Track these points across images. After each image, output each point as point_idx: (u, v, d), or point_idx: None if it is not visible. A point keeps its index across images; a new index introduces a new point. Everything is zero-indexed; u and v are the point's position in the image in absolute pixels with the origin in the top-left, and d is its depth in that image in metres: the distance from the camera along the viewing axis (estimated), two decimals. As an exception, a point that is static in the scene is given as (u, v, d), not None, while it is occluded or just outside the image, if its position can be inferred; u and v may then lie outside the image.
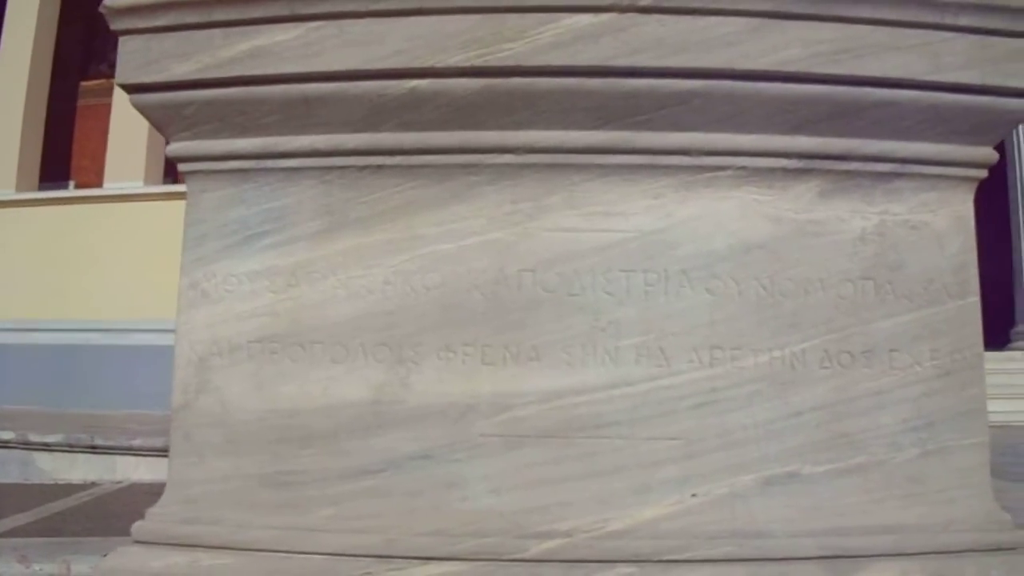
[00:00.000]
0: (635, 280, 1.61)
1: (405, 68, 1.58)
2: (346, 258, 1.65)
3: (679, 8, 1.56)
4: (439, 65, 1.58)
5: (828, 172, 1.64)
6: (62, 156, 9.39)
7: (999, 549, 1.56)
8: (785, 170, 1.63)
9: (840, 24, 1.57)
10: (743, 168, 1.63)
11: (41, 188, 8.83)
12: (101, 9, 1.59)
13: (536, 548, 1.52)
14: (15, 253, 8.15)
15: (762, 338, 1.60)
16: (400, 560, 1.52)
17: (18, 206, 8.44)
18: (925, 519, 1.58)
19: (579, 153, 1.63)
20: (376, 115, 1.62)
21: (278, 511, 1.58)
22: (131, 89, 1.62)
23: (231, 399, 1.63)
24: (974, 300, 1.65)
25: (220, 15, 1.59)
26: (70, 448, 5.43)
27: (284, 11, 1.59)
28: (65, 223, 8.17)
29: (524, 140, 1.63)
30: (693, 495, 1.56)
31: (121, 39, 1.61)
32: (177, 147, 1.69)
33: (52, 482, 5.08)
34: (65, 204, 8.48)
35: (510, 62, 1.57)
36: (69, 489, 4.70)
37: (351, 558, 1.52)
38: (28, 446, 5.30)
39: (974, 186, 1.68)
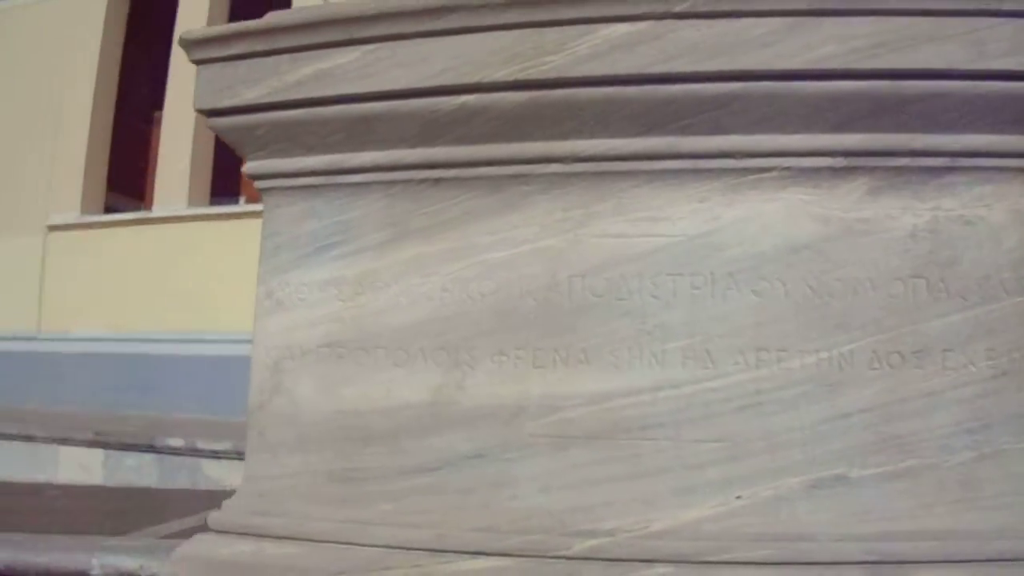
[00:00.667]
0: (681, 283, 1.61)
1: (453, 85, 1.65)
2: (408, 267, 1.72)
3: (713, 12, 1.56)
4: (485, 80, 1.64)
5: (876, 169, 1.60)
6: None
7: None
8: (831, 169, 1.60)
9: (876, 18, 1.54)
10: (788, 169, 1.60)
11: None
12: (179, 42, 1.71)
13: (579, 546, 1.55)
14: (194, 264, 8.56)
15: (809, 339, 1.58)
16: (450, 554, 1.57)
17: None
18: (977, 525, 1.51)
19: (624, 160, 1.65)
20: (430, 131, 1.69)
21: (340, 505, 1.68)
22: (208, 114, 1.75)
23: (301, 400, 1.73)
24: None
25: (285, 42, 1.69)
26: (239, 456, 5.60)
27: (342, 36, 1.67)
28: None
29: (571, 149, 1.66)
30: (737, 497, 1.55)
31: (198, 68, 1.72)
32: (253, 166, 1.82)
33: (220, 489, 5.25)
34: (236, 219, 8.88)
35: (551, 74, 1.61)
36: (237, 496, 4.89)
37: (404, 551, 1.58)
38: (197, 453, 5.47)
39: None
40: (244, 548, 1.66)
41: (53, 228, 9.66)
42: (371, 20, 1.66)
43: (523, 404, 1.64)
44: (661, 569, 1.52)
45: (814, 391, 1.57)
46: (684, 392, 1.59)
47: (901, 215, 1.60)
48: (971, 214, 1.60)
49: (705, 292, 1.61)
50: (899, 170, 1.60)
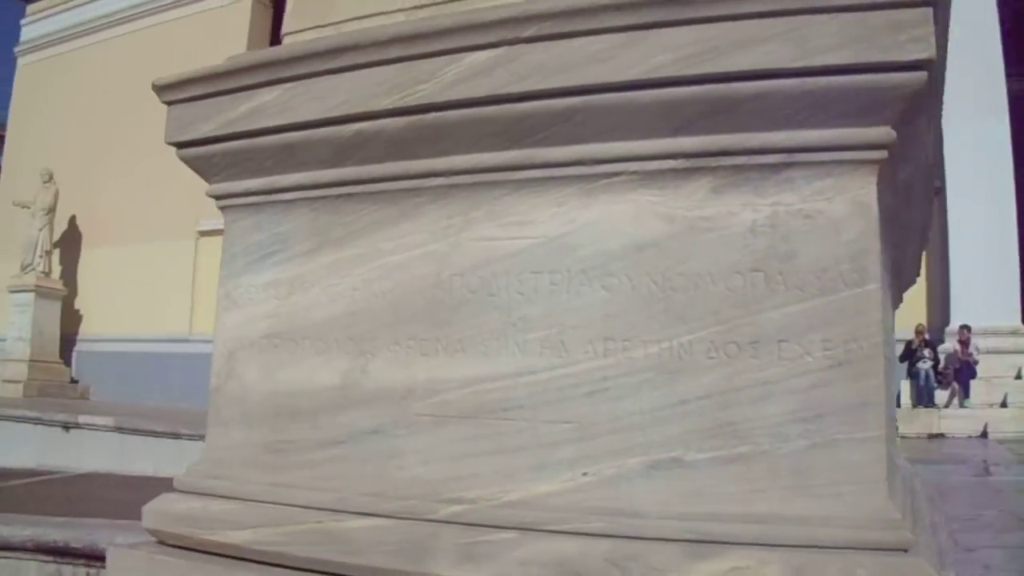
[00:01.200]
0: (542, 280, 1.54)
1: (351, 114, 1.64)
2: (327, 271, 1.73)
3: (556, 34, 1.48)
4: (373, 109, 1.61)
5: (716, 168, 1.45)
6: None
7: (879, 549, 1.29)
8: (675, 170, 1.47)
9: (704, 25, 1.39)
10: (635, 172, 1.50)
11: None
12: (152, 88, 1.86)
13: (444, 511, 1.51)
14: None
15: (652, 330, 1.46)
16: (345, 514, 1.58)
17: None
18: (806, 512, 1.34)
19: (494, 172, 1.58)
20: (339, 153, 1.69)
21: (271, 471, 1.71)
22: (176, 146, 1.83)
23: (248, 383, 1.78)
24: (873, 287, 1.37)
25: (226, 85, 1.77)
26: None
27: (268, 77, 1.73)
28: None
29: (449, 165, 1.61)
30: (584, 474, 1.50)
31: (168, 108, 1.87)
32: (213, 188, 1.87)
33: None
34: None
35: (423, 100, 1.57)
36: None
37: (313, 510, 1.61)
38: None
39: (875, 169, 1.39)
40: (195, 505, 1.72)
41: (204, 234, 10.12)
42: (287, 62, 1.68)
43: (411, 387, 1.61)
44: (506, 535, 1.45)
45: (655, 379, 1.45)
46: (540, 378, 1.51)
47: (741, 211, 1.44)
48: (810, 208, 1.41)
49: (561, 288, 1.52)
50: (739, 168, 1.44)
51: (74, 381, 16.53)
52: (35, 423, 8.93)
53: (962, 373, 11.57)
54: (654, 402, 1.47)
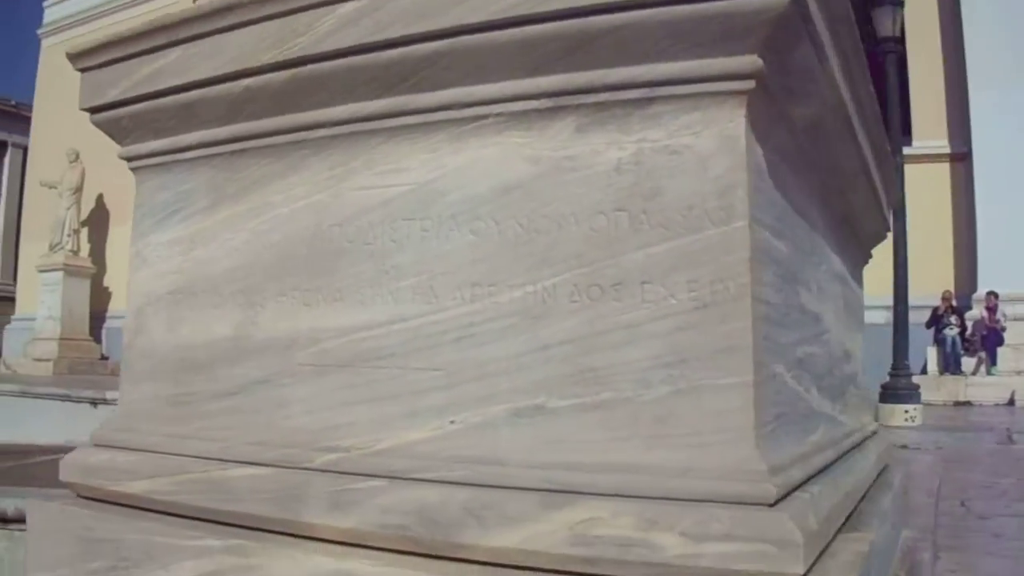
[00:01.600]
0: (413, 227, 1.43)
1: (238, 71, 1.55)
2: (224, 225, 1.65)
3: None
4: (257, 64, 1.53)
5: (580, 107, 1.31)
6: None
7: (740, 503, 1.16)
8: (538, 111, 1.34)
9: None
10: (500, 115, 1.37)
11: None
12: (66, 56, 1.80)
13: (320, 460, 1.42)
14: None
15: (516, 274, 1.34)
16: (230, 463, 1.50)
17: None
18: (667, 462, 1.21)
19: (370, 120, 1.47)
20: (232, 110, 1.60)
21: (171, 423, 1.64)
22: (89, 111, 1.78)
23: (155, 338, 1.71)
24: (741, 225, 1.22)
25: (130, 49, 1.68)
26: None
27: (167, 39, 1.63)
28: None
29: (330, 116, 1.51)
30: (452, 422, 1.38)
31: (81, 76, 1.80)
32: (123, 151, 1.81)
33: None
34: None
35: (300, 53, 1.47)
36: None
37: (204, 460, 1.53)
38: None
39: (744, 101, 1.24)
40: (103, 457, 1.67)
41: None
42: (182, 24, 1.59)
43: (295, 337, 1.53)
44: (375, 483, 1.35)
45: (519, 324, 1.32)
46: (412, 325, 1.41)
47: (606, 150, 1.30)
48: (677, 143, 1.26)
49: (431, 234, 1.41)
50: (602, 105, 1.30)
51: (104, 358, 16.21)
52: (63, 400, 8.96)
53: (989, 340, 11.06)
54: (518, 348, 1.35)
